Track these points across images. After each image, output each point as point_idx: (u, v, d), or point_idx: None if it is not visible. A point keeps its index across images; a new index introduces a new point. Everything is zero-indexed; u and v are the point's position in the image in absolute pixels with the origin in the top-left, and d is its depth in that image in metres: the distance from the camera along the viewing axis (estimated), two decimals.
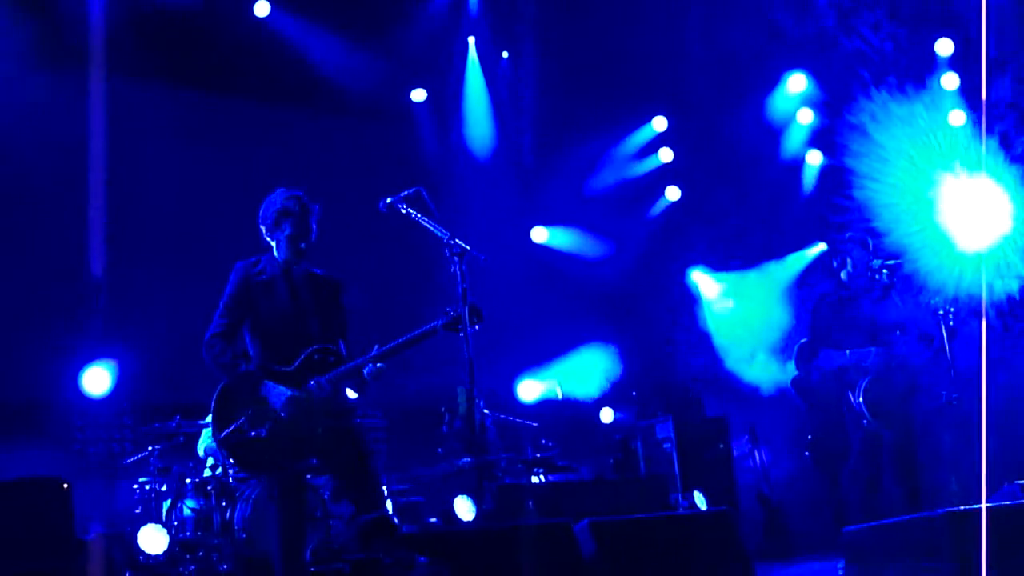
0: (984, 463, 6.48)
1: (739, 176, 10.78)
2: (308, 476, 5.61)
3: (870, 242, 7.37)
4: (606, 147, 11.24)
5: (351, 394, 5.15)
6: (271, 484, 5.03)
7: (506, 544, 5.22)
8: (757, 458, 9.66)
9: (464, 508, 7.99)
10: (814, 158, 10.83)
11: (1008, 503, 5.41)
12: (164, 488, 7.39)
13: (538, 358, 10.58)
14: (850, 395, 7.00)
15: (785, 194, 10.87)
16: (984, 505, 4.79)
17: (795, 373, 8.10)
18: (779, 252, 10.73)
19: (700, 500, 8.69)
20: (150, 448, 7.47)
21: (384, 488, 7.86)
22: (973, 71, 9.13)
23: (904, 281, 7.54)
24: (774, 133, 10.83)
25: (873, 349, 6.97)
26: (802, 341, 7.87)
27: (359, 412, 5.46)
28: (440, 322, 5.02)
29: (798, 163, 10.92)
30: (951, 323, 7.08)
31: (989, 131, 8.64)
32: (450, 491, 8.21)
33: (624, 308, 10.98)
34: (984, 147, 8.47)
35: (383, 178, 6.56)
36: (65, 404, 8.34)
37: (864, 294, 7.21)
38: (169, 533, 7.04)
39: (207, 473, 7.36)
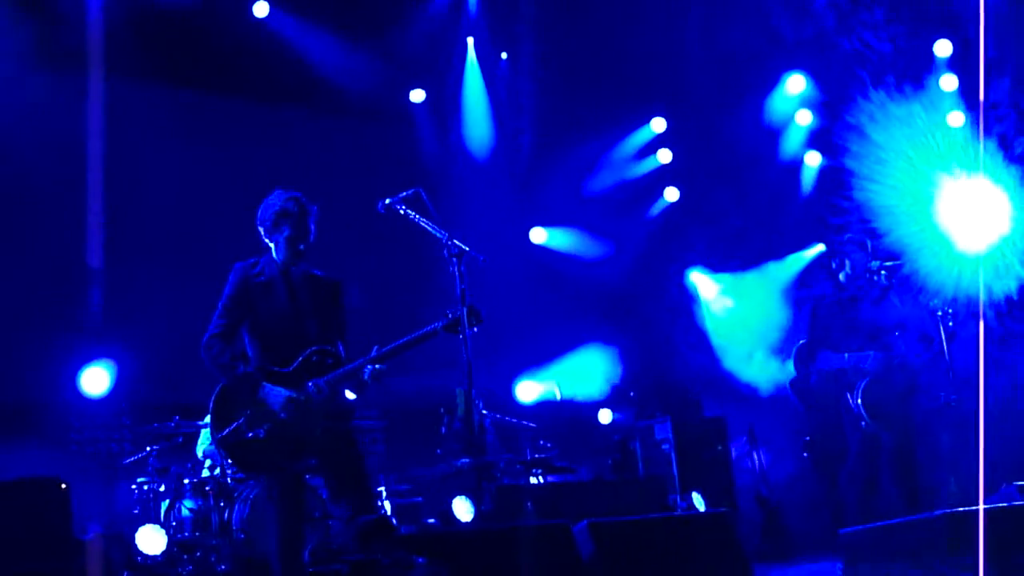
0: (982, 464, 6.49)
1: (738, 177, 10.78)
2: (307, 476, 5.61)
3: (869, 243, 7.37)
4: (605, 148, 11.23)
5: (350, 395, 5.16)
6: (270, 485, 5.03)
7: (505, 545, 5.21)
8: (755, 459, 9.65)
9: (463, 509, 8.00)
10: (813, 159, 10.84)
11: (1006, 504, 5.42)
12: (162, 488, 7.39)
13: (537, 359, 10.58)
14: (849, 397, 6.99)
15: (784, 195, 10.88)
16: (982, 506, 4.80)
17: (793, 375, 8.10)
18: (778, 253, 10.73)
19: (699, 501, 8.69)
20: (148, 448, 7.47)
21: (381, 489, 7.90)
22: (971, 72, 9.14)
23: (903, 282, 7.54)
24: (773, 134, 10.85)
25: (872, 353, 6.95)
26: (801, 343, 7.86)
27: (356, 414, 5.46)
28: (440, 324, 5.02)
29: (797, 164, 10.94)
30: (950, 324, 7.08)
31: (987, 132, 8.65)
32: (449, 492, 8.22)
33: (623, 309, 10.97)
34: (982, 148, 8.48)
35: (382, 179, 6.56)
36: (64, 404, 8.34)
37: (863, 295, 7.20)
38: (167, 533, 7.05)
39: (205, 474, 7.37)
